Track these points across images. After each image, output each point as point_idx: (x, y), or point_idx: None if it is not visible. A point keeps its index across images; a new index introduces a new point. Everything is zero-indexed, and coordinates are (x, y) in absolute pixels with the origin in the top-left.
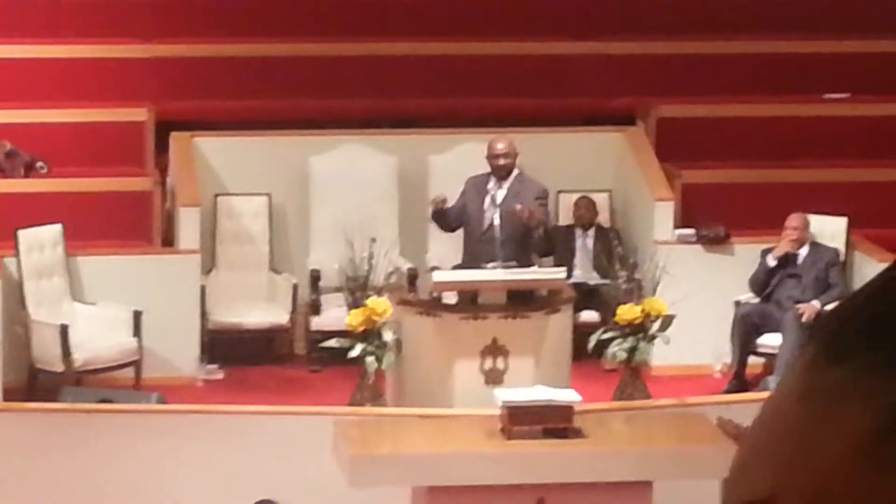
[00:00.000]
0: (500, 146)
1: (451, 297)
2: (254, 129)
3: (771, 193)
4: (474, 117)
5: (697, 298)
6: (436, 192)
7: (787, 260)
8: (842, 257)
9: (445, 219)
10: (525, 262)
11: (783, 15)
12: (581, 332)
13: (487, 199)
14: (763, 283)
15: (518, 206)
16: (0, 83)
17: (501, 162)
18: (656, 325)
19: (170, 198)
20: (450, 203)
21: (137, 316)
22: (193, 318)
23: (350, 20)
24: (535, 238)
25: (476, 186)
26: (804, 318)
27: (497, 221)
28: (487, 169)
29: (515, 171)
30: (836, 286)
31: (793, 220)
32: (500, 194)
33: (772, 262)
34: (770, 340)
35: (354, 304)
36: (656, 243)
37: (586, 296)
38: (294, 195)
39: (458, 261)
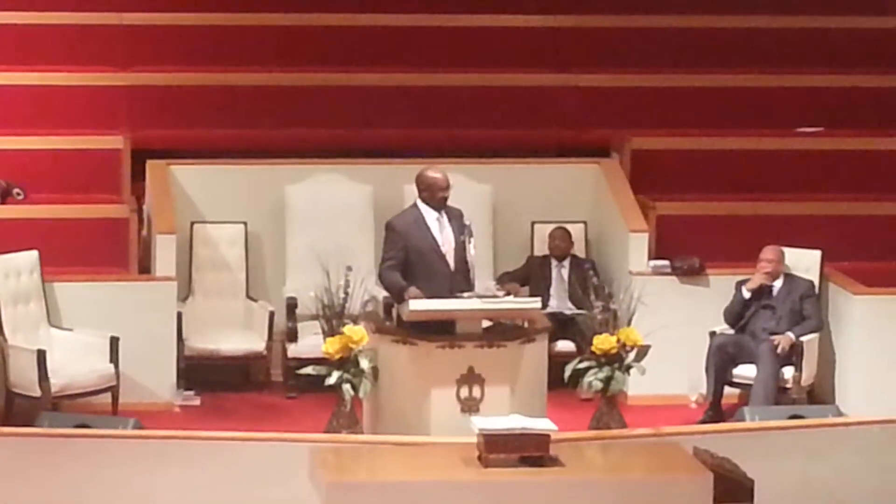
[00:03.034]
0: (441, 176)
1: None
2: (230, 158)
3: (745, 226)
4: (450, 148)
5: (672, 329)
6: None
7: (761, 292)
8: (816, 289)
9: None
10: (470, 289)
11: (757, 49)
12: (557, 362)
13: (438, 234)
14: (738, 314)
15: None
16: None
17: (449, 194)
18: (632, 356)
19: (146, 225)
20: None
21: (114, 342)
22: (170, 345)
23: (326, 52)
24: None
25: (415, 224)
26: (779, 350)
27: (452, 253)
28: (409, 203)
29: None
30: (810, 318)
31: (767, 252)
32: (446, 225)
33: (746, 293)
34: (745, 371)
35: (331, 331)
36: (631, 274)
37: (562, 326)
38: (270, 223)
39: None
